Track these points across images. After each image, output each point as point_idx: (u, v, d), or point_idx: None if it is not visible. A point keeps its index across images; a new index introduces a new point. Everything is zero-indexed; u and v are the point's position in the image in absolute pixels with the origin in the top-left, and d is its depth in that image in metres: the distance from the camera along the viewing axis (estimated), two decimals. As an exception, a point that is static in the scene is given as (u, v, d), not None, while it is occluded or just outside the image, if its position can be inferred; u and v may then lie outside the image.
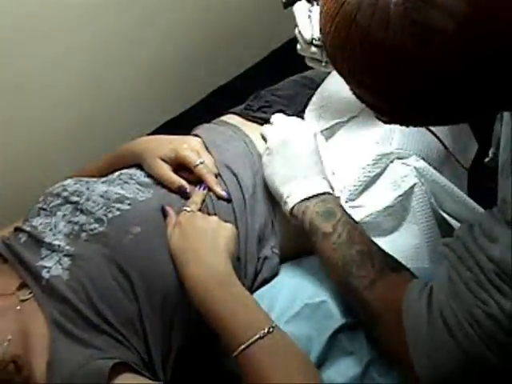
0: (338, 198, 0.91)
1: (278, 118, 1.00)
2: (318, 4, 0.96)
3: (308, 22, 0.96)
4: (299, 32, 0.97)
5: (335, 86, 1.04)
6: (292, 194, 0.89)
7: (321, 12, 0.64)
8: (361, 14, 0.59)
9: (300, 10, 0.97)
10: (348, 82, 0.66)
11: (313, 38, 0.96)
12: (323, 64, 0.98)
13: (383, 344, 0.78)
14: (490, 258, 0.64)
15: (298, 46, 1.00)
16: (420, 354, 0.70)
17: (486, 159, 0.86)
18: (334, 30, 0.62)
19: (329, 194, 0.89)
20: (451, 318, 0.67)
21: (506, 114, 0.69)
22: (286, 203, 0.89)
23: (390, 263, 0.80)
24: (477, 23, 0.56)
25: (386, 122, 0.70)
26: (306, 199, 0.87)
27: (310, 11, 0.96)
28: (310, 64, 1.02)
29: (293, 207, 0.88)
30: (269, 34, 1.47)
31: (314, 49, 0.97)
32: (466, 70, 0.58)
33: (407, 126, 0.68)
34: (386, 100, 0.65)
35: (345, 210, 0.87)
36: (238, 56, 1.42)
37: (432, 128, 0.96)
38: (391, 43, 0.58)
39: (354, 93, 0.67)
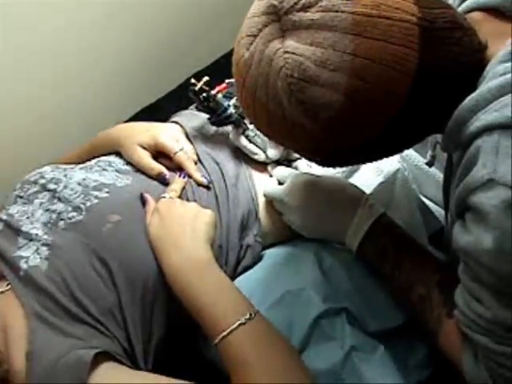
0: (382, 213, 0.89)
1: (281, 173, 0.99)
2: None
3: (253, 146, 1.01)
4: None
5: None
6: (348, 238, 0.89)
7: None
8: (258, 91, 0.68)
9: (238, 139, 1.01)
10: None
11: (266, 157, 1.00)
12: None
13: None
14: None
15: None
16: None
17: (425, 161, 0.91)
18: (244, 103, 0.74)
19: (377, 217, 0.87)
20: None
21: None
22: (350, 245, 0.89)
23: (447, 302, 0.79)
24: (361, 91, 0.64)
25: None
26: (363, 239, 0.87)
27: (247, 135, 1.01)
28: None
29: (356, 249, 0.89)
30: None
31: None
32: (358, 134, 0.69)
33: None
34: (305, 157, 0.79)
35: (397, 232, 0.87)
36: (217, 40, 1.43)
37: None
38: (287, 118, 0.68)
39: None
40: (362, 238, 0.87)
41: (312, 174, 0.94)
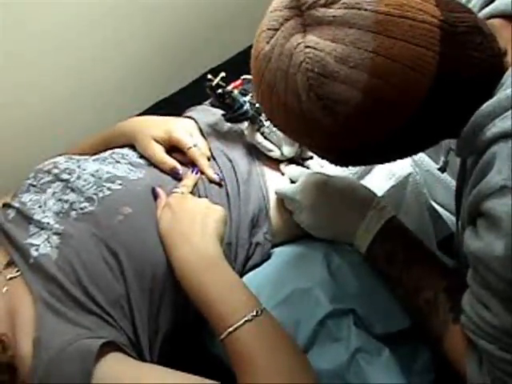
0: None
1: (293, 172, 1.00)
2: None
3: (268, 143, 1.01)
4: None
5: None
6: (358, 239, 0.89)
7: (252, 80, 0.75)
8: (277, 85, 0.69)
9: (254, 136, 1.01)
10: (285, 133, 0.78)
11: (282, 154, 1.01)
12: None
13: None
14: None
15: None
16: None
17: (438, 166, 0.91)
18: (261, 98, 0.74)
19: (388, 220, 0.87)
20: None
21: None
22: (359, 247, 0.90)
23: (454, 308, 0.79)
24: (379, 90, 0.65)
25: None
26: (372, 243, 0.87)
27: (262, 132, 1.01)
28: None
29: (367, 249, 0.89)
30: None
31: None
32: (374, 133, 0.69)
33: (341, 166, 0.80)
34: (318, 154, 0.78)
35: (408, 236, 0.87)
36: (233, 37, 1.44)
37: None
38: (305, 113, 0.69)
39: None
40: (371, 240, 0.87)
41: (324, 174, 0.94)
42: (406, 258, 0.85)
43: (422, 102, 0.67)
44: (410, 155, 0.79)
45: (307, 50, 0.67)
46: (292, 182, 0.98)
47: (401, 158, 0.78)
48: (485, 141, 0.67)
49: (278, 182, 0.99)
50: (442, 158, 0.88)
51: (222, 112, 1.03)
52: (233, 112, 1.00)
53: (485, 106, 0.68)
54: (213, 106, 1.08)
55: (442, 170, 0.90)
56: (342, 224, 0.90)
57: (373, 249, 0.87)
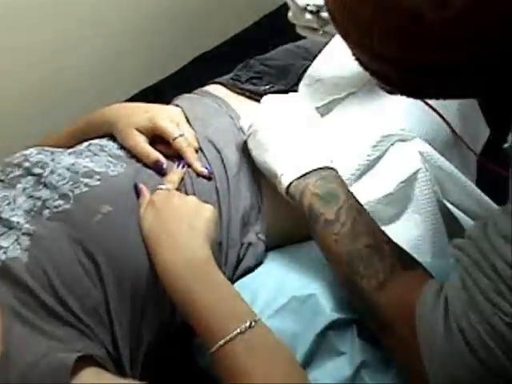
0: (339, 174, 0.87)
1: (267, 99, 0.97)
2: None
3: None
4: None
5: (334, 57, 1.01)
6: (286, 171, 0.87)
7: None
8: None
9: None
10: (353, 48, 0.66)
11: (307, 4, 0.95)
12: (320, 33, 0.98)
13: (394, 353, 0.77)
14: (507, 263, 0.64)
15: (290, 14, 1.00)
16: (436, 368, 0.69)
17: (505, 145, 0.83)
18: None
19: (330, 168, 0.86)
20: (470, 331, 0.66)
21: None
22: (280, 183, 0.87)
23: (402, 258, 0.78)
24: None
25: (390, 93, 0.70)
26: (303, 176, 0.85)
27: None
28: (301, 33, 1.01)
29: (288, 186, 0.86)
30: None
31: (308, 16, 0.96)
32: (484, 40, 0.58)
33: (415, 98, 0.70)
34: (396, 68, 0.65)
35: (349, 191, 0.84)
36: (224, 21, 1.44)
37: (439, 109, 0.95)
38: (407, 6, 0.58)
39: (359, 60, 0.67)
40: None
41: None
42: (350, 203, 0.82)
43: None
44: (474, 97, 0.74)
45: None
46: None
47: (459, 96, 0.72)
48: None
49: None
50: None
51: (214, 105, 1.03)
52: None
53: None
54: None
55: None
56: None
57: (304, 184, 0.84)
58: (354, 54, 0.67)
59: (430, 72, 0.62)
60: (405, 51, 0.62)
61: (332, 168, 0.86)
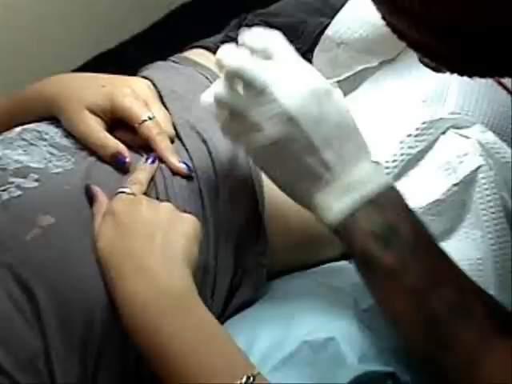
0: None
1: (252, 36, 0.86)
2: None
3: None
4: None
5: (363, 11, 0.98)
6: (326, 201, 0.78)
7: None
8: None
9: None
10: (388, 10, 0.68)
11: None
12: None
13: None
14: None
15: None
16: None
17: None
18: None
19: (387, 187, 0.78)
20: None
21: None
22: (321, 218, 0.79)
23: (492, 315, 0.72)
24: None
25: (435, 70, 0.72)
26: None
27: None
28: None
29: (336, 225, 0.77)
30: None
31: None
32: None
33: (468, 76, 0.69)
34: (440, 36, 0.66)
35: (413, 216, 0.77)
36: None
37: (508, 84, 0.90)
38: None
39: (394, 28, 0.69)
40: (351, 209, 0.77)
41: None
42: (415, 241, 0.77)
43: None
44: None
45: None
46: None
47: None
48: None
49: None
50: None
51: (197, 77, 0.99)
52: None
53: None
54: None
55: None
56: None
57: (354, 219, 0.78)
58: (384, 19, 0.69)
59: (477, 38, 0.63)
60: (452, 11, 0.63)
61: (388, 184, 0.78)
